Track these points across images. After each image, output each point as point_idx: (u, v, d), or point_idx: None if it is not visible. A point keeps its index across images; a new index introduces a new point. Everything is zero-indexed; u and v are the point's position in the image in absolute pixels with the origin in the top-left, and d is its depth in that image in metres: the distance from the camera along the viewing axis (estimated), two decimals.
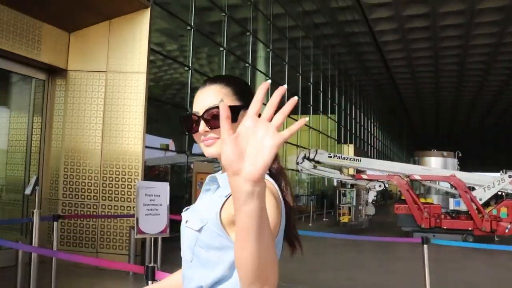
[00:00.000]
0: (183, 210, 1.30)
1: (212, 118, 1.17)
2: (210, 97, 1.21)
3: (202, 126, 1.19)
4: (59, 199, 6.96)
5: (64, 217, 6.26)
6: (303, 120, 0.79)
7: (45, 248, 3.37)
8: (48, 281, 4.86)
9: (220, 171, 1.27)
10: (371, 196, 14.17)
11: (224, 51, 12.36)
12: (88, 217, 6.83)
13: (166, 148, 11.29)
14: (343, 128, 25.46)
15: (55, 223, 5.20)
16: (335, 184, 17.70)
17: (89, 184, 6.90)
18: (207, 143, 1.20)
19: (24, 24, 6.33)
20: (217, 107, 1.14)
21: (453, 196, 12.95)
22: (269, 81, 0.86)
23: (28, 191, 4.70)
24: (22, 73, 6.92)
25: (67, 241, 6.88)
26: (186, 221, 1.22)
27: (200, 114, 1.20)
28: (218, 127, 1.10)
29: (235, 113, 1.15)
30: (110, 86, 6.94)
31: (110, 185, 6.85)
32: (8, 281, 4.88)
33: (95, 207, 6.88)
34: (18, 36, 6.25)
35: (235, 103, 1.20)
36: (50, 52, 6.76)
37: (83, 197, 6.90)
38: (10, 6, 6.09)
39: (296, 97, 0.80)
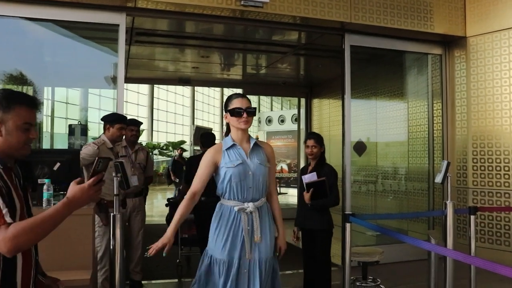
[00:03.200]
0: None
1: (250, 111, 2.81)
2: (246, 101, 2.83)
3: (245, 114, 2.78)
4: (469, 187, 6.02)
5: (481, 209, 5.21)
6: None
7: (461, 252, 2.51)
8: (464, 281, 4.08)
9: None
10: None
11: None
12: (510, 210, 5.59)
13: None
14: None
15: (471, 216, 4.29)
16: None
17: (506, 169, 5.66)
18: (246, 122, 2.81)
19: None
20: (251, 107, 2.83)
21: None
22: None
23: (438, 179, 3.96)
24: (416, 50, 6.34)
25: (481, 236, 5.86)
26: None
27: (244, 108, 2.79)
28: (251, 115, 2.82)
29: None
30: None
31: None
32: (421, 275, 4.31)
33: None
34: (409, 10, 5.70)
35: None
36: (444, 21, 5.92)
37: (498, 184, 5.73)
38: None
39: None
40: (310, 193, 4.01)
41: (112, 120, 4.23)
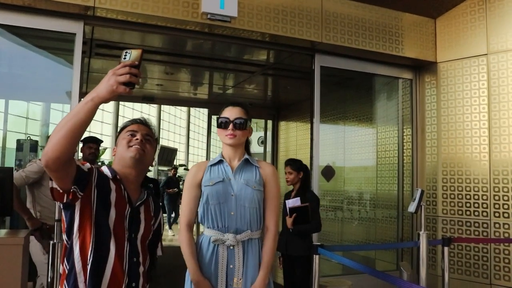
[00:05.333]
0: None
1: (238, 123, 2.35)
2: (237, 111, 2.37)
3: (231, 126, 2.32)
4: (438, 215, 5.86)
5: (455, 241, 4.99)
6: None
7: None
8: None
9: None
10: None
11: None
12: (485, 241, 5.40)
13: None
14: None
15: (445, 248, 4.09)
16: None
17: (476, 198, 5.52)
18: (232, 136, 2.34)
19: (384, 18, 5.63)
20: (241, 118, 2.35)
21: None
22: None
23: (412, 208, 3.77)
24: (387, 74, 6.21)
25: (450, 266, 5.66)
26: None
27: (231, 119, 2.33)
28: (241, 129, 2.35)
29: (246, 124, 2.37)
30: (495, 71, 5.42)
31: (505, 198, 5.28)
32: None
33: (485, 225, 5.43)
34: (381, 32, 5.58)
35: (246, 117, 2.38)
36: (415, 45, 5.83)
37: (468, 213, 5.58)
38: (366, 2, 5.50)
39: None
40: (293, 218, 3.89)
41: None
